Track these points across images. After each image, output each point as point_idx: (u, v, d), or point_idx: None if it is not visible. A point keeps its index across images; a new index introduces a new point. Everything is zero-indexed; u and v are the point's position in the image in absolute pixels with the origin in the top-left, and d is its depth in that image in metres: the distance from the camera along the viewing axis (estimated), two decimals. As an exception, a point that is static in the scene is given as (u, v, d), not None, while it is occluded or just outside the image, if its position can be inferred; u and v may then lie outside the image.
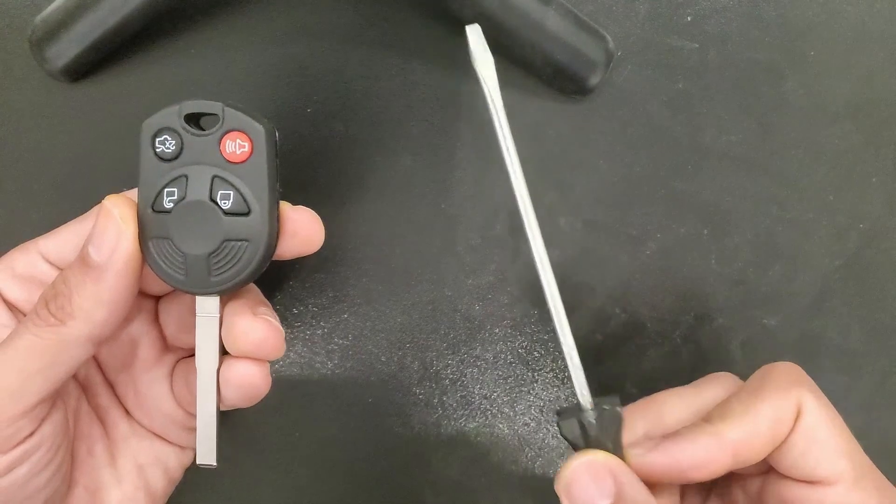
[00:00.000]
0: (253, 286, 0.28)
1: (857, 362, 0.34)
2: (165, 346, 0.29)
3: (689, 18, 0.34)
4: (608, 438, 0.24)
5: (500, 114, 0.26)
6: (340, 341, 0.33)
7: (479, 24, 0.31)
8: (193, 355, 0.27)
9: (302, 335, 0.33)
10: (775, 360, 0.34)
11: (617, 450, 0.24)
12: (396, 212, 0.33)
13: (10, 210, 0.33)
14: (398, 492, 0.33)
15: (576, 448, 0.24)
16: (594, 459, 0.23)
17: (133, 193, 0.26)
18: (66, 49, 0.32)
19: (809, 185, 0.34)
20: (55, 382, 0.24)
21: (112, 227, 0.24)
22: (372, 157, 0.33)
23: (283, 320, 0.33)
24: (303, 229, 0.26)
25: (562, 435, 0.24)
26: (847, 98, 0.34)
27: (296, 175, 0.33)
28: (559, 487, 0.23)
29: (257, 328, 0.25)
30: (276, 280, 0.33)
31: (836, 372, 0.34)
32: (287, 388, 0.33)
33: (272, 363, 0.33)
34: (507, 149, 0.26)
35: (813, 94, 0.34)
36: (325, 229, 0.33)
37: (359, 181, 0.33)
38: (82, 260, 0.24)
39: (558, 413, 0.25)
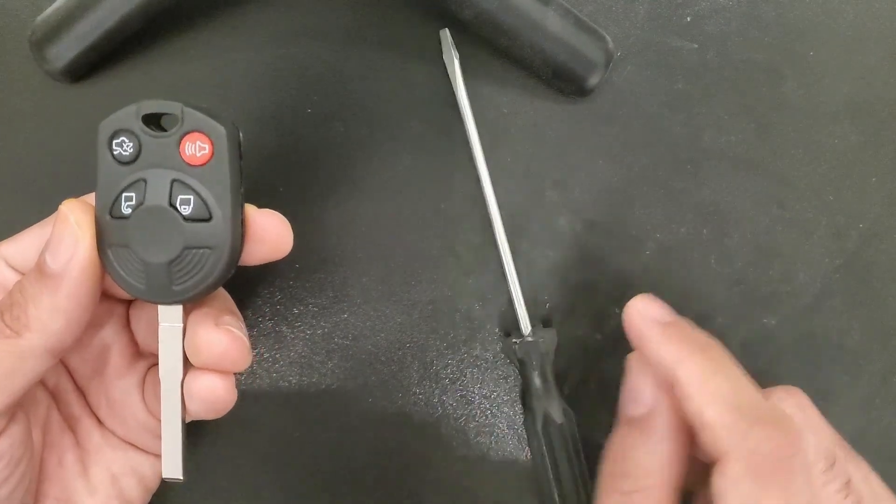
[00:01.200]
0: (222, 293, 0.27)
1: (857, 362, 0.34)
2: (137, 352, 0.28)
3: (688, 19, 0.34)
4: (534, 360, 0.32)
5: (464, 101, 0.33)
6: (340, 341, 0.33)
7: (479, 25, 0.31)
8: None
9: (302, 335, 0.33)
10: (775, 360, 0.34)
11: (540, 367, 0.32)
12: (396, 212, 0.33)
13: (9, 209, 0.33)
14: (398, 492, 0.33)
15: (511, 362, 0.33)
16: None
17: (92, 197, 0.25)
18: (66, 49, 0.32)
19: (809, 184, 0.34)
20: (12, 395, 0.23)
21: (68, 234, 0.23)
22: (372, 158, 0.33)
23: (284, 320, 0.33)
24: (269, 234, 0.25)
25: (502, 351, 0.33)
26: (846, 98, 0.34)
27: (296, 175, 0.33)
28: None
29: (219, 339, 0.24)
30: (277, 280, 0.33)
31: (836, 372, 0.34)
32: (287, 388, 0.33)
33: (272, 364, 0.33)
34: (471, 131, 0.33)
35: (812, 94, 0.34)
36: (325, 230, 0.33)
37: (359, 181, 0.33)
38: (39, 268, 0.23)
39: (507, 334, 0.33)
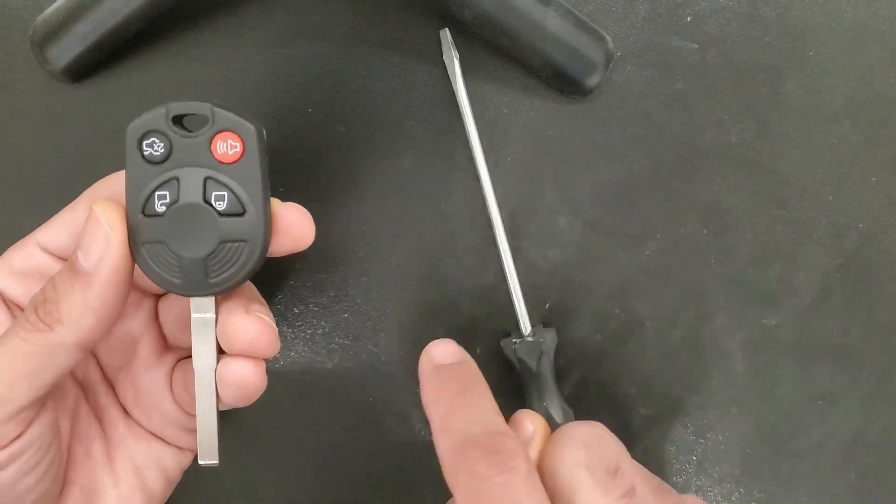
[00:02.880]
0: (248, 283, 0.28)
1: (856, 361, 0.34)
2: (166, 345, 0.29)
3: (688, 19, 0.34)
4: (534, 360, 0.32)
5: (464, 101, 0.33)
6: (341, 341, 0.33)
7: (479, 25, 0.31)
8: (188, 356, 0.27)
9: (303, 335, 0.33)
10: (775, 360, 0.34)
11: (540, 368, 0.32)
12: (396, 212, 0.33)
13: (10, 210, 0.33)
14: (398, 492, 0.33)
15: (511, 362, 0.33)
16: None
17: (111, 182, 0.26)
18: (67, 49, 0.32)
19: (809, 184, 0.34)
20: (42, 388, 0.23)
21: (100, 233, 0.23)
22: (372, 157, 0.33)
23: (285, 320, 0.33)
24: (293, 226, 0.26)
25: (503, 351, 0.33)
26: (846, 98, 0.34)
27: (296, 175, 0.33)
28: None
29: (250, 326, 0.25)
30: (278, 280, 0.33)
31: (836, 371, 0.34)
32: (288, 388, 0.33)
33: (273, 363, 0.33)
34: (470, 129, 0.33)
35: (812, 94, 0.34)
36: (326, 229, 0.33)
37: (359, 181, 0.33)
38: (71, 266, 0.23)
39: (507, 334, 0.33)
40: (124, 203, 0.25)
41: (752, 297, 0.34)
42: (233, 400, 0.26)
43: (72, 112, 0.33)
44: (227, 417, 0.33)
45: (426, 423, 0.33)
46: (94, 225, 0.24)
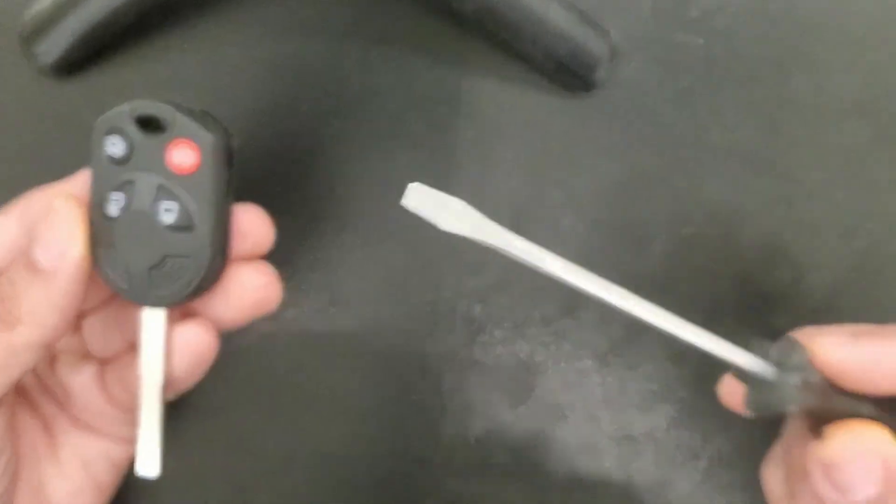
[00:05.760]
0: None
1: (867, 365, 0.33)
2: (88, 354, 0.29)
3: (694, 14, 0.34)
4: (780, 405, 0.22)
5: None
6: (338, 343, 0.33)
7: (481, 19, 0.31)
8: (116, 360, 0.27)
9: (299, 337, 0.33)
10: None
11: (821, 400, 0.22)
12: (395, 211, 0.33)
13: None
14: (398, 495, 0.33)
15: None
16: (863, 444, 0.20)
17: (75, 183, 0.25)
18: (56, 45, 0.31)
19: (817, 183, 0.33)
20: (3, 388, 0.23)
21: (62, 230, 0.23)
22: (369, 156, 0.33)
23: (281, 322, 0.33)
24: (247, 230, 0.25)
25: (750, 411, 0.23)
26: (856, 95, 0.34)
27: (292, 174, 0.33)
28: (817, 465, 0.21)
29: (259, 279, 0.26)
30: (272, 281, 0.33)
31: (846, 375, 0.33)
32: (285, 391, 0.33)
33: (268, 369, 0.33)
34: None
35: (821, 91, 0.33)
36: (322, 230, 0.33)
37: (356, 179, 0.33)
38: (29, 264, 0.23)
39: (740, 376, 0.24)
40: (84, 199, 0.24)
41: (760, 297, 0.33)
42: (185, 372, 0.25)
43: (61, 108, 0.33)
44: (223, 418, 0.33)
45: (424, 429, 0.33)
46: (57, 220, 0.23)
